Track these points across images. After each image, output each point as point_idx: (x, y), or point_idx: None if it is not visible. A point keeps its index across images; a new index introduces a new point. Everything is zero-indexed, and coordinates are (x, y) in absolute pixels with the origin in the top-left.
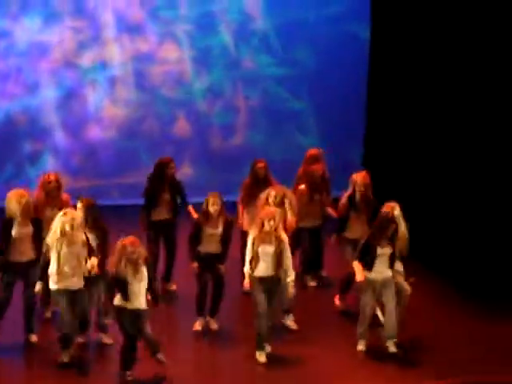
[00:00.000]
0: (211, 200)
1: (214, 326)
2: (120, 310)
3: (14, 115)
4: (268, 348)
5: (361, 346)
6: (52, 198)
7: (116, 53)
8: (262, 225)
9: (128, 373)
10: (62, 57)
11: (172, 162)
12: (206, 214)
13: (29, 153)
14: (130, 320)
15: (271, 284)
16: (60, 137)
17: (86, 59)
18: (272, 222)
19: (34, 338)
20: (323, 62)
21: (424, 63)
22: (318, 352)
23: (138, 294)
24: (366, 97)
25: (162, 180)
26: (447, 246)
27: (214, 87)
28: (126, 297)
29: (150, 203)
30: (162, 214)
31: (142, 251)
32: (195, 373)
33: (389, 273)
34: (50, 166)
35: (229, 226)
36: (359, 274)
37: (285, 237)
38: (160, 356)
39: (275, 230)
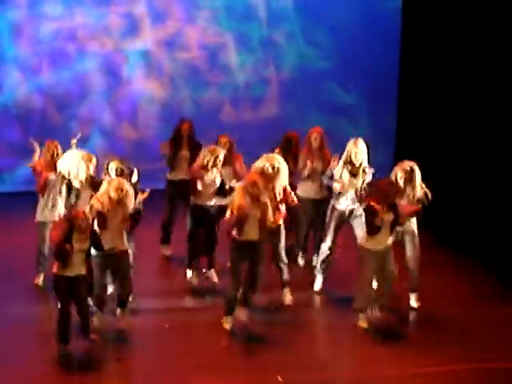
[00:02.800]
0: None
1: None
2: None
3: (61, 96)
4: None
5: (364, 324)
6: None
7: (158, 37)
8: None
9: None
10: (108, 42)
11: (185, 123)
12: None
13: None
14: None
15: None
16: (107, 120)
17: (132, 44)
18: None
19: None
20: (354, 40)
21: (454, 43)
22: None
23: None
24: (399, 74)
25: (177, 139)
26: (478, 228)
27: (253, 70)
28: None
29: (169, 161)
30: (180, 173)
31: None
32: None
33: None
34: (97, 147)
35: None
36: None
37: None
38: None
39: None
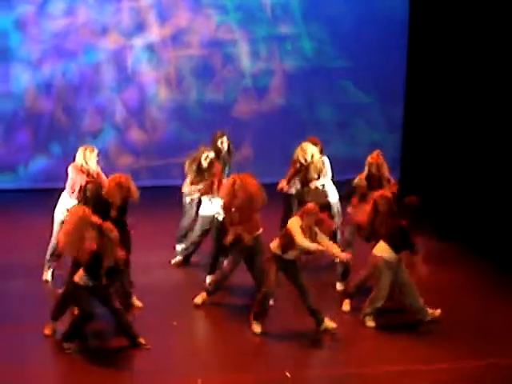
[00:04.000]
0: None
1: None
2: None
3: (75, 90)
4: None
5: (371, 323)
6: None
7: (167, 32)
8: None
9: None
10: (120, 38)
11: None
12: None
13: (90, 128)
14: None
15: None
16: (120, 114)
17: (141, 40)
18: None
19: None
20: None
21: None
22: (345, 332)
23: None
24: (406, 67)
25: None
26: (493, 227)
27: (262, 66)
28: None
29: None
30: None
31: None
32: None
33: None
34: (110, 141)
35: None
36: None
37: None
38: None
39: None
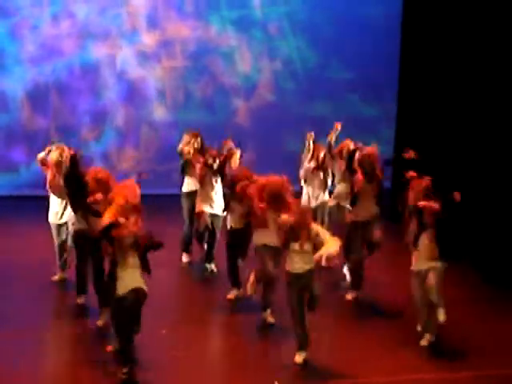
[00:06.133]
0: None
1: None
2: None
3: (76, 91)
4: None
5: (424, 341)
6: None
7: (171, 39)
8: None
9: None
10: (122, 41)
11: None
12: None
13: (91, 130)
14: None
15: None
16: (122, 118)
17: (143, 46)
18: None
19: None
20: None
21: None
22: (339, 342)
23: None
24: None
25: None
26: (485, 241)
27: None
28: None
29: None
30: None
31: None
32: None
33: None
34: (111, 144)
35: None
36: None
37: None
38: None
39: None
